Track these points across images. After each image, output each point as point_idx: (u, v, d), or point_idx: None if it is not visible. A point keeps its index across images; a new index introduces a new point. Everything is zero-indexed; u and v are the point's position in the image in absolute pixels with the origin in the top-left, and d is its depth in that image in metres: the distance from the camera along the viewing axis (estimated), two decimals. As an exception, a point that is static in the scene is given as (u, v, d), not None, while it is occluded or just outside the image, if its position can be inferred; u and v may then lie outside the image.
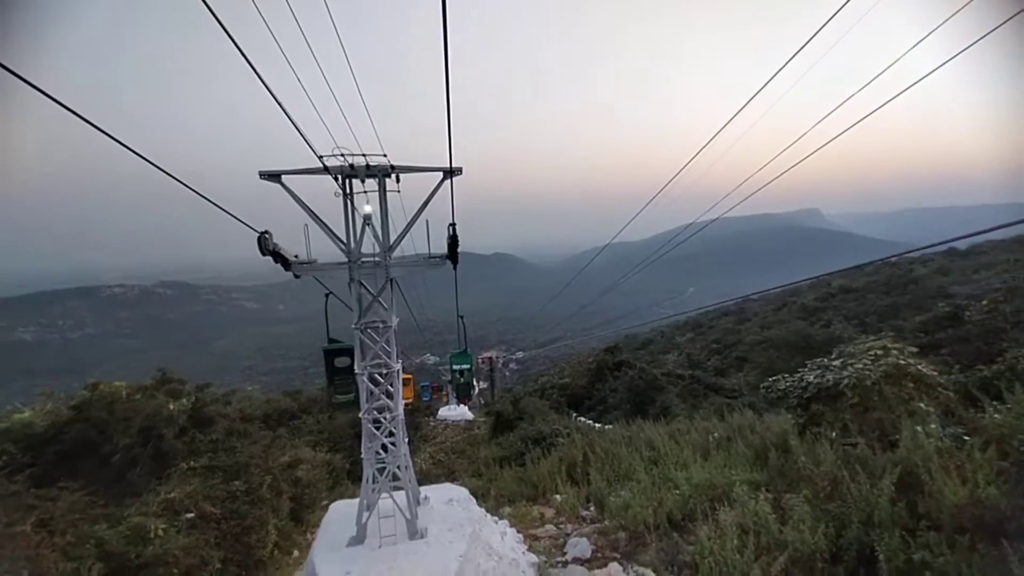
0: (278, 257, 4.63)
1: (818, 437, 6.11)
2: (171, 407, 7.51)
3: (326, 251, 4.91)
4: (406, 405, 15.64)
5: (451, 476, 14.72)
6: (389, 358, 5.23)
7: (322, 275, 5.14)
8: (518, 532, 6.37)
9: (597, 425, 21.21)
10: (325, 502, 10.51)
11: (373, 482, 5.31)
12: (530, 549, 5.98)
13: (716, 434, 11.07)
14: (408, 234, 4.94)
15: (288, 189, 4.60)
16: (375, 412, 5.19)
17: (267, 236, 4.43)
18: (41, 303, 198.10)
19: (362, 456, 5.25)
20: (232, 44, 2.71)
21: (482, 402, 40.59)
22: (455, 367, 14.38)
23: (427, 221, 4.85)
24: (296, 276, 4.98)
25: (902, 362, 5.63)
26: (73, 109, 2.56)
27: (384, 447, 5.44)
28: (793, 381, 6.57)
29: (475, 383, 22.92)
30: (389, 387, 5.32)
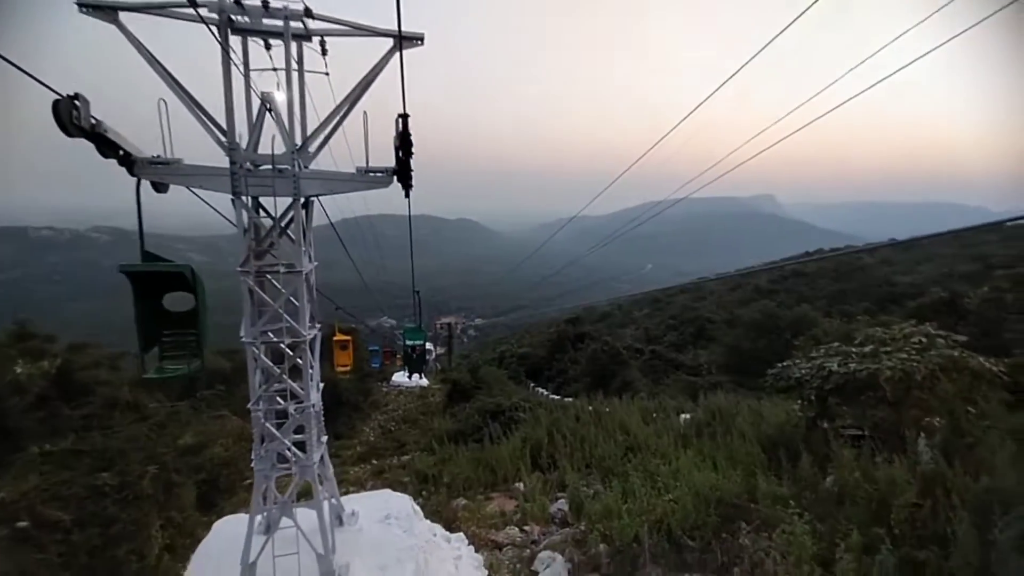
0: (103, 143, 2.93)
1: (834, 435, 5.15)
2: (18, 370, 5.63)
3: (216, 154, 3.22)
4: (344, 372, 13.96)
5: (400, 449, 13.45)
6: (297, 322, 3.56)
7: (199, 188, 3.38)
8: (475, 549, 5.12)
9: (555, 397, 20.50)
10: (249, 481, 9.01)
11: (269, 497, 3.80)
12: (491, 567, 4.77)
13: (686, 416, 10.30)
14: (337, 133, 3.34)
15: (127, 32, 2.89)
16: (275, 401, 3.65)
17: (77, 104, 2.74)
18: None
19: (252, 464, 3.67)
20: None
21: (438, 367, 39.38)
22: (408, 343, 15.09)
23: (365, 114, 3.25)
24: (158, 190, 3.31)
25: (957, 354, 4.70)
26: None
27: (286, 451, 3.80)
28: (810, 369, 5.57)
29: (429, 357, 22.47)
30: (299, 362, 3.70)
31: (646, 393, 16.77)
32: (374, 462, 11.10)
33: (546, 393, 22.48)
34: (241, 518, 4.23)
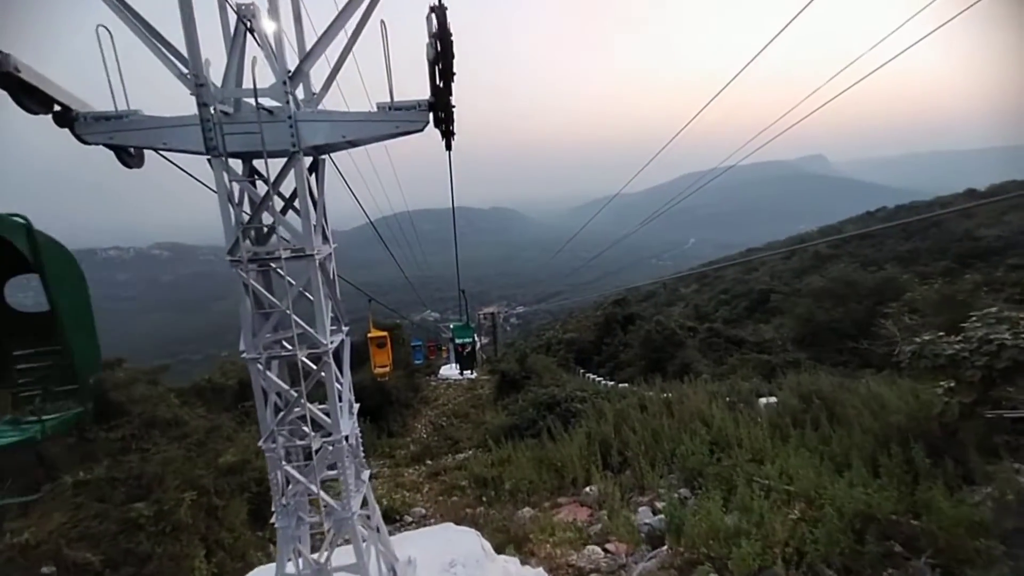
0: (26, 92, 2.22)
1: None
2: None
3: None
4: (384, 374, 13.30)
5: (454, 446, 12.88)
6: (314, 327, 2.71)
7: (169, 150, 2.60)
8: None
9: (609, 383, 19.49)
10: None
11: (295, 559, 2.91)
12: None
13: (769, 400, 9.10)
14: (347, 65, 2.48)
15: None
16: (297, 432, 2.86)
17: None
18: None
19: (273, 520, 2.82)
20: None
21: (484, 357, 39.08)
22: (458, 340, 15.58)
23: (383, 24, 2.35)
24: (125, 163, 2.59)
25: None
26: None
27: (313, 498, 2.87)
28: (971, 344, 4.34)
29: (477, 352, 22.46)
30: (323, 377, 2.82)
31: (709, 375, 15.49)
32: (428, 463, 10.59)
33: (598, 379, 21.49)
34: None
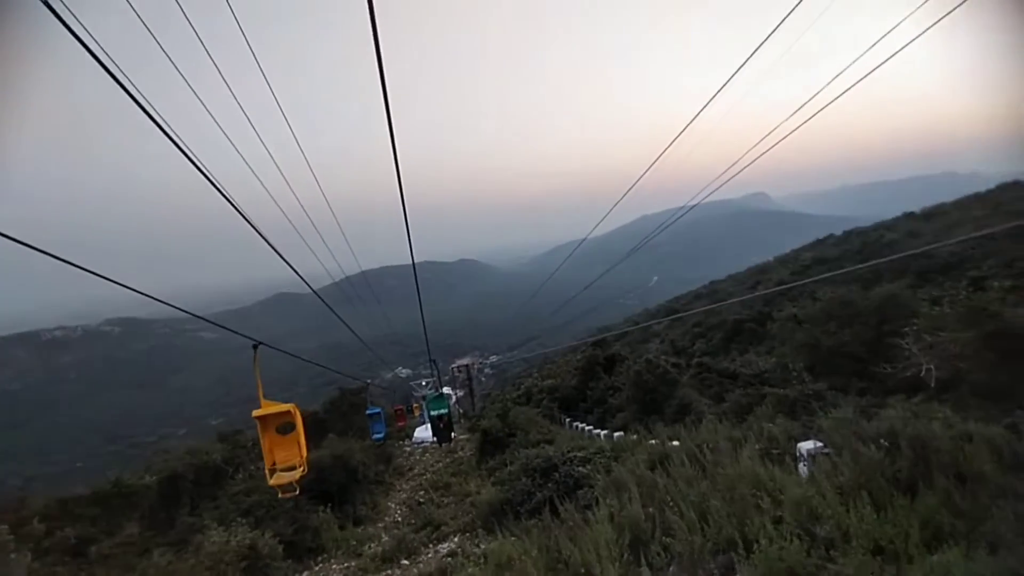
0: None
1: None
2: None
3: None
4: (287, 485, 6.78)
5: (436, 532, 10.68)
6: None
7: None
8: None
9: (601, 432, 17.69)
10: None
11: None
12: None
13: (813, 447, 7.65)
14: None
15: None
16: None
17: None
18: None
19: None
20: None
21: (461, 412, 36.36)
22: (433, 412, 15.09)
23: None
24: None
25: None
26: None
27: None
28: None
29: (453, 420, 21.00)
30: None
31: (714, 415, 14.00)
32: (404, 563, 8.39)
33: (588, 428, 19.64)
34: None
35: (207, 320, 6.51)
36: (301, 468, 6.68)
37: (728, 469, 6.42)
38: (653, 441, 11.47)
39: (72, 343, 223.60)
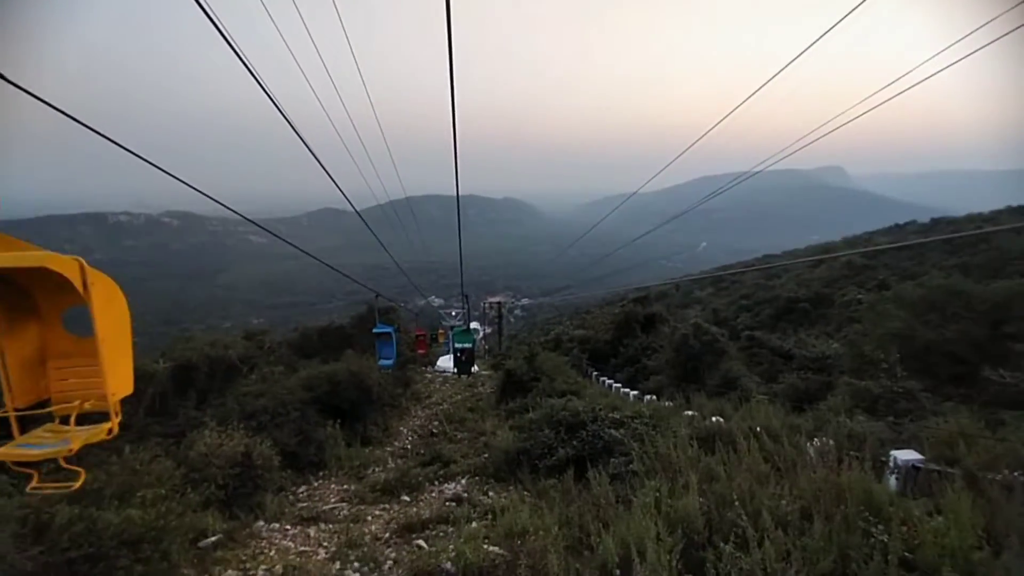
0: None
1: None
2: None
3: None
4: (88, 431, 4.40)
5: (443, 470, 9.91)
6: None
7: None
8: None
9: (632, 392, 16.52)
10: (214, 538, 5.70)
11: None
12: None
13: (910, 458, 6.08)
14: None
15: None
16: None
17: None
18: (51, 226, 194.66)
19: None
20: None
21: (486, 348, 36.11)
22: (457, 345, 14.88)
23: None
24: None
25: None
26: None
27: None
28: None
29: (476, 337, 21.08)
30: None
31: (761, 393, 12.42)
32: (405, 498, 7.64)
33: (617, 385, 18.50)
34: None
35: (256, 224, 6.92)
36: (116, 415, 2.62)
37: (814, 472, 4.97)
38: (690, 412, 10.14)
39: (135, 229, 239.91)
